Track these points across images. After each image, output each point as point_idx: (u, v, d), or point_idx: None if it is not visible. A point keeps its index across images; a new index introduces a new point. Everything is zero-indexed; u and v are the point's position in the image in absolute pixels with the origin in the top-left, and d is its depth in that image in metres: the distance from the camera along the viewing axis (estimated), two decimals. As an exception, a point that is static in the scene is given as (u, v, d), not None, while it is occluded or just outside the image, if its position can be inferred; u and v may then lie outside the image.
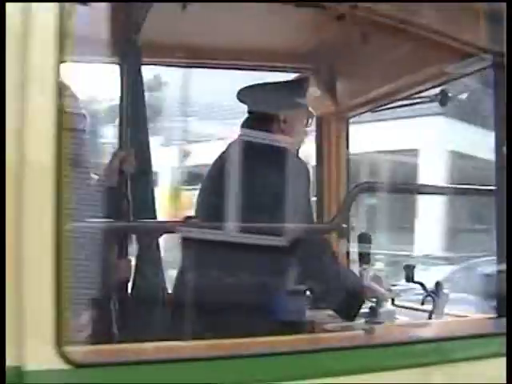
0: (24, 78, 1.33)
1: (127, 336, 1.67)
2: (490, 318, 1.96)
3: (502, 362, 1.80)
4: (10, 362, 1.32)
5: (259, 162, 2.01)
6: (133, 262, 1.98)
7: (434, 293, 2.21)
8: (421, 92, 2.77)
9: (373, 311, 2.00)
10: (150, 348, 1.37)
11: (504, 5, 1.95)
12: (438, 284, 2.19)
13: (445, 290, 2.17)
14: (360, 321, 2.04)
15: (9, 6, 1.35)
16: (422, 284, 2.28)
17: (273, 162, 2.04)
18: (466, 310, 2.38)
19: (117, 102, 2.12)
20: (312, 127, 2.68)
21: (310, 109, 2.42)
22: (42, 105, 1.34)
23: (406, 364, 1.71)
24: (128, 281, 1.87)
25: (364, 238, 1.94)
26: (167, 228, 1.85)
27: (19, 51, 1.35)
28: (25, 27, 1.34)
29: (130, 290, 1.86)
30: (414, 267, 2.32)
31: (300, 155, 2.27)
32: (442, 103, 2.37)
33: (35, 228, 1.32)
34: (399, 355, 1.72)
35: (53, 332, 1.32)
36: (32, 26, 1.35)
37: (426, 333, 1.89)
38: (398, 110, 2.97)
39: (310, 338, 1.82)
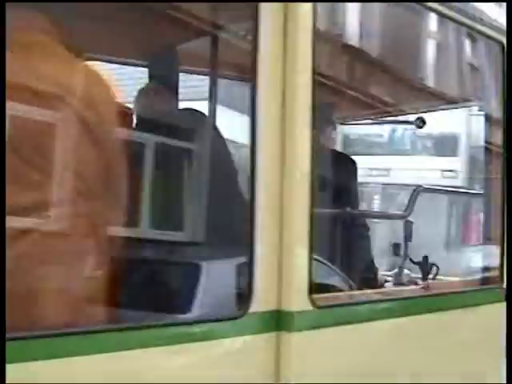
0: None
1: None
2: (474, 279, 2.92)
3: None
4: (270, 307, 1.88)
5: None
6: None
7: (422, 264, 3.10)
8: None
9: (399, 274, 2.84)
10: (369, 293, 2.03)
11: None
12: (425, 257, 3.09)
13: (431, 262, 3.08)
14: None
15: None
16: (410, 259, 3.16)
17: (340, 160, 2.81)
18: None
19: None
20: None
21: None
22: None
23: (448, 307, 2.56)
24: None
25: (408, 224, 2.77)
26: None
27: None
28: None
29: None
30: (399, 244, 3.19)
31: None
32: (419, 127, 3.29)
33: (297, 209, 1.90)
34: (443, 302, 2.58)
35: (306, 284, 1.91)
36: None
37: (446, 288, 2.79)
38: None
39: (386, 290, 2.61)
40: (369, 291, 2.30)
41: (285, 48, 1.89)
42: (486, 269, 2.91)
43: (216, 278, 2.06)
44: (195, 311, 1.92)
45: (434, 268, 2.95)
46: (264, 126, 1.87)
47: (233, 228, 1.96)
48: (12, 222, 1.42)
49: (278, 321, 1.89)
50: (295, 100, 1.91)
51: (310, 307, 1.92)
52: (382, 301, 2.17)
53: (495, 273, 2.83)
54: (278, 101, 1.89)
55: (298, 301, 1.91)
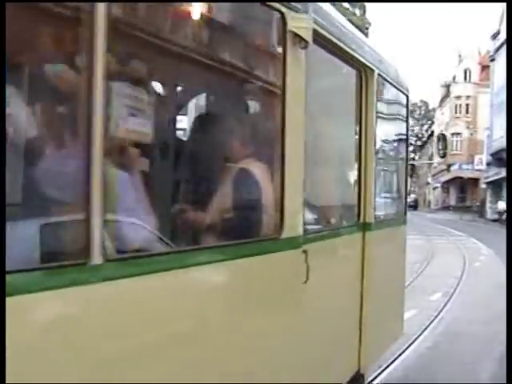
0: None
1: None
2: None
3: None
4: (362, 220, 4.31)
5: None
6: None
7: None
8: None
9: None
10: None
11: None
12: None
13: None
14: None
15: None
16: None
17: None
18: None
19: None
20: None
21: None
22: None
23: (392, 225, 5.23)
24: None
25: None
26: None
27: None
28: None
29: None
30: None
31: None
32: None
33: (369, 173, 4.34)
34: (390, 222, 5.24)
35: (373, 209, 4.37)
36: None
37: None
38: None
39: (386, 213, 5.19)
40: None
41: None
42: (398, 207, 5.67)
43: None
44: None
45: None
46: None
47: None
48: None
49: (364, 226, 4.32)
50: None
51: (373, 220, 4.39)
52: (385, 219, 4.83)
53: (402, 209, 5.60)
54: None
55: (371, 217, 4.36)
